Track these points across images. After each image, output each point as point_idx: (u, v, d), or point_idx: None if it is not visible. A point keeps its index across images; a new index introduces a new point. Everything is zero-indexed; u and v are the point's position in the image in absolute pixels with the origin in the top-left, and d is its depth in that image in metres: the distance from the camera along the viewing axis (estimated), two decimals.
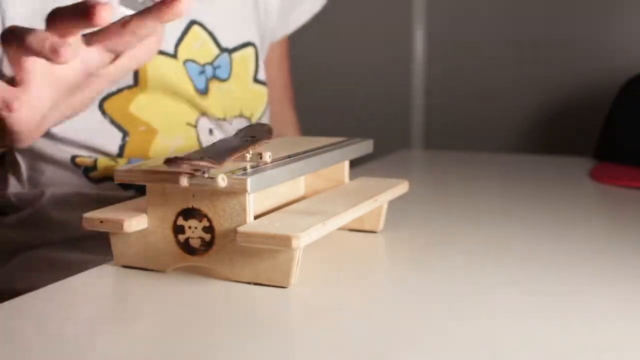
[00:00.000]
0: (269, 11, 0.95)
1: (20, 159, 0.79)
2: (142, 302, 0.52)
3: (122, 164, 0.78)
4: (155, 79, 0.79)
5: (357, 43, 1.63)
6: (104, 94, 0.77)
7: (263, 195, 0.62)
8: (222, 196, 0.53)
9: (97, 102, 0.77)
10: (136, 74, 0.78)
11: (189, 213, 0.54)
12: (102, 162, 0.78)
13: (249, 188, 0.51)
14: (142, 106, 0.79)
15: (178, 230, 0.55)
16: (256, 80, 0.91)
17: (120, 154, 0.78)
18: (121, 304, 0.52)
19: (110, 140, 0.78)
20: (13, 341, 0.45)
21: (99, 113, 0.77)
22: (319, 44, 1.58)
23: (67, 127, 0.75)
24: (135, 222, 0.55)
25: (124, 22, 0.49)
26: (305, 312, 0.50)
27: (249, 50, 0.90)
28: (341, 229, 0.68)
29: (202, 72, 0.83)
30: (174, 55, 0.80)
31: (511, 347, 0.43)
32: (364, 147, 0.71)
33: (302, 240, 0.50)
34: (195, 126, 0.84)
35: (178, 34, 0.81)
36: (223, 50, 0.86)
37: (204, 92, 0.84)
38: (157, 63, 0.79)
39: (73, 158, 0.77)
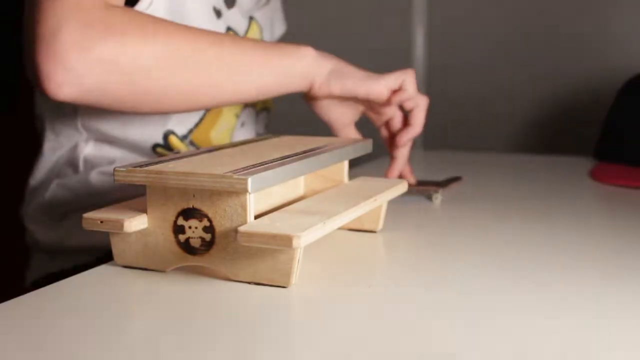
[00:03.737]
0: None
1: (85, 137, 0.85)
2: (142, 302, 0.52)
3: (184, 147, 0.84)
4: None
5: (356, 42, 1.63)
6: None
7: (262, 195, 0.62)
8: (223, 196, 0.53)
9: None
10: None
11: (189, 213, 0.54)
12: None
13: (249, 188, 0.51)
14: None
15: (178, 230, 0.55)
16: None
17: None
18: (121, 304, 0.52)
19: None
20: (13, 340, 0.45)
21: None
22: (319, 44, 1.58)
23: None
24: (135, 222, 0.55)
25: None
26: (305, 312, 0.50)
27: None
28: (341, 228, 0.68)
29: None
30: None
31: (511, 346, 0.43)
32: (364, 147, 0.71)
33: (302, 240, 0.50)
34: (238, 117, 0.91)
35: (245, 26, 0.90)
36: None
37: None
38: None
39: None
